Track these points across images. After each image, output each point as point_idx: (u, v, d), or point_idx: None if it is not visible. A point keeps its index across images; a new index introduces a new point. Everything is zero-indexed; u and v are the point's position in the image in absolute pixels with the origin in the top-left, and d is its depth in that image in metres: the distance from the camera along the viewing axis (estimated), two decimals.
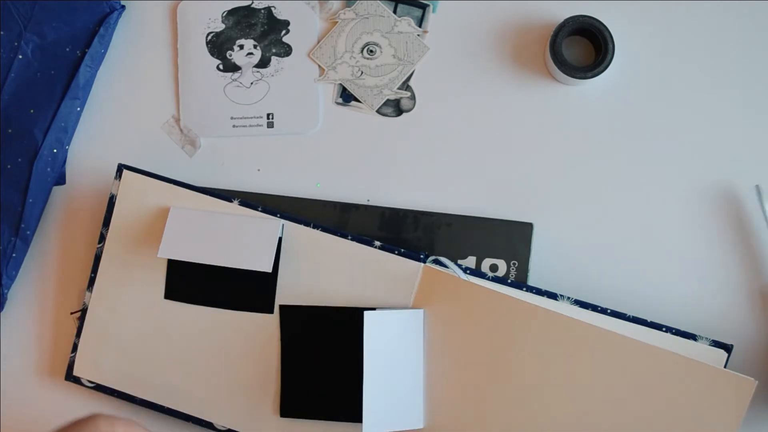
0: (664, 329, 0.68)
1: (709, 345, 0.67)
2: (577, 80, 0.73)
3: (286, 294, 0.71)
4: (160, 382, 0.72)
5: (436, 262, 0.70)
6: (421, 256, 0.70)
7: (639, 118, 0.75)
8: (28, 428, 0.76)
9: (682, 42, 0.75)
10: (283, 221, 0.70)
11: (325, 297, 0.70)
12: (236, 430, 0.71)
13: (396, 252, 0.70)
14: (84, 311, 0.73)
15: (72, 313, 0.76)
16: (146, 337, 0.72)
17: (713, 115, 0.74)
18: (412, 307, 0.69)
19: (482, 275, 0.70)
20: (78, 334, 0.73)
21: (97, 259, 0.73)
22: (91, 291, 0.73)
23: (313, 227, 0.71)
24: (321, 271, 0.70)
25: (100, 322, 0.73)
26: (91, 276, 0.73)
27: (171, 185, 0.72)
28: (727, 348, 0.67)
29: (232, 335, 0.71)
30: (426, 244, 0.73)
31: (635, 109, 0.75)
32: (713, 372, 0.65)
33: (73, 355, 0.73)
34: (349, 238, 0.70)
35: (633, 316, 0.68)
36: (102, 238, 0.73)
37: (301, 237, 0.71)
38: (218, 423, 0.71)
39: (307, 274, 0.71)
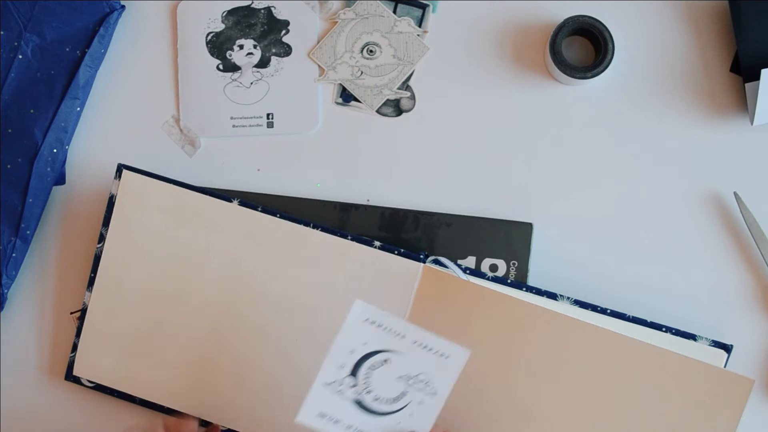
0: (664, 329, 0.68)
1: (709, 345, 0.67)
2: (577, 80, 0.73)
3: (285, 294, 0.71)
4: (160, 381, 0.72)
5: (436, 262, 0.70)
6: (421, 256, 0.70)
7: (639, 119, 0.75)
8: (28, 428, 0.76)
9: (682, 41, 0.75)
10: None
11: (325, 297, 0.70)
12: (237, 430, 0.71)
13: (396, 252, 0.70)
14: (84, 311, 0.73)
15: (72, 313, 0.76)
16: (146, 336, 0.72)
17: (713, 114, 0.74)
18: (412, 306, 0.69)
19: (482, 275, 0.70)
20: (78, 334, 0.73)
21: (97, 259, 0.73)
22: (90, 291, 0.73)
23: (313, 227, 0.71)
24: (321, 271, 0.71)
25: (100, 322, 0.73)
26: (90, 276, 0.73)
27: (170, 185, 0.72)
28: (727, 348, 0.67)
29: (233, 335, 0.71)
30: (426, 244, 0.73)
31: (635, 110, 0.75)
32: (712, 371, 0.65)
33: (72, 354, 0.73)
34: (349, 238, 0.70)
35: (633, 317, 0.68)
36: (102, 238, 0.73)
37: (301, 237, 0.71)
38: (219, 423, 0.71)
39: (307, 274, 0.71)
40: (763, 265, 0.72)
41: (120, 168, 0.73)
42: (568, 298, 0.69)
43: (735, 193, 0.73)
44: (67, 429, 0.76)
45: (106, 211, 0.73)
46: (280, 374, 0.71)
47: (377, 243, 0.70)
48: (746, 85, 0.71)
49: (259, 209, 0.71)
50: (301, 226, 0.71)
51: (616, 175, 0.74)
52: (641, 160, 0.74)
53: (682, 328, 0.69)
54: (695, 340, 0.68)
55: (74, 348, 0.73)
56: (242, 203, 0.72)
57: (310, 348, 0.71)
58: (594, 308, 0.69)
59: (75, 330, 0.74)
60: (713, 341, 0.68)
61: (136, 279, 0.72)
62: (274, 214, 0.71)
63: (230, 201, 0.72)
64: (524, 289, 0.69)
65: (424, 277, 0.69)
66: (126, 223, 0.73)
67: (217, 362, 0.71)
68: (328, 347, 0.61)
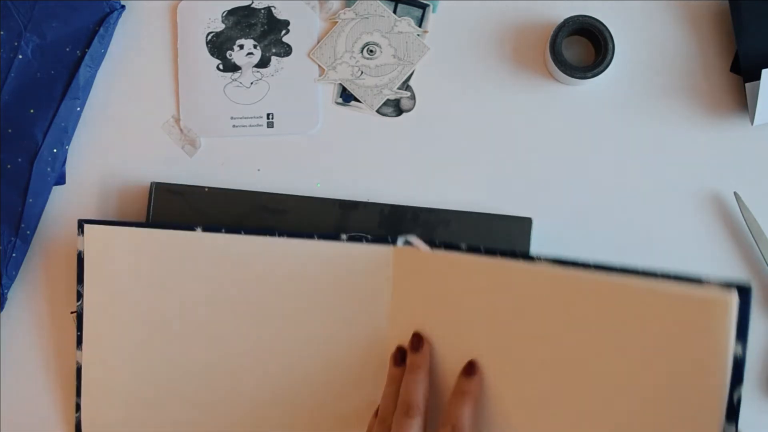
0: (659, 276, 0.57)
1: (719, 286, 0.55)
2: (577, 80, 0.73)
3: (271, 308, 0.71)
4: (168, 423, 0.71)
5: (407, 243, 0.69)
6: (390, 239, 0.68)
7: (639, 119, 0.75)
8: (28, 428, 0.76)
9: (682, 41, 0.75)
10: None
11: (306, 301, 0.70)
12: None
13: (364, 240, 0.69)
14: (79, 370, 0.72)
15: (72, 313, 0.76)
16: (146, 381, 0.71)
17: (713, 114, 0.74)
18: (393, 291, 0.68)
19: (457, 247, 0.66)
20: (78, 393, 0.73)
21: (80, 316, 0.72)
22: (81, 349, 0.72)
23: (279, 235, 0.69)
24: (296, 276, 0.70)
25: (98, 378, 0.72)
26: (78, 335, 0.72)
27: (133, 228, 0.71)
28: (741, 287, 0.53)
29: (231, 358, 0.71)
30: (426, 241, 0.73)
31: (635, 110, 0.75)
32: (685, 297, 0.56)
33: (78, 414, 0.73)
34: (316, 237, 0.69)
35: (621, 266, 0.58)
36: (79, 296, 0.72)
37: (271, 247, 0.70)
38: None
39: (285, 282, 0.70)
40: (763, 264, 0.72)
41: (81, 224, 0.72)
42: (546, 258, 0.62)
43: (735, 193, 0.73)
44: None
45: (78, 269, 0.72)
46: (282, 388, 0.70)
47: (344, 236, 0.69)
48: (746, 85, 0.71)
49: (223, 231, 0.70)
50: (268, 237, 0.70)
51: (616, 175, 0.74)
52: (641, 159, 0.74)
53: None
54: (701, 283, 0.56)
55: (78, 408, 0.73)
56: (206, 228, 0.70)
57: (307, 358, 0.70)
58: (575, 264, 0.61)
59: (75, 329, 0.74)
60: (725, 282, 0.54)
61: (123, 326, 0.72)
62: (238, 232, 0.70)
63: (194, 229, 0.70)
64: (498, 254, 0.64)
65: (396, 259, 0.69)
66: (99, 275, 0.72)
67: (218, 395, 0.71)
68: None
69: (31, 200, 0.75)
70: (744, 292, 0.54)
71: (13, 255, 0.75)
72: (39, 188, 0.75)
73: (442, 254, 0.67)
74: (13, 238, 0.75)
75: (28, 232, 0.75)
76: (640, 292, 0.58)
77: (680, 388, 0.56)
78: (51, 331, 0.76)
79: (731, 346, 0.55)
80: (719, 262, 0.73)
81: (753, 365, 0.72)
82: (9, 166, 0.75)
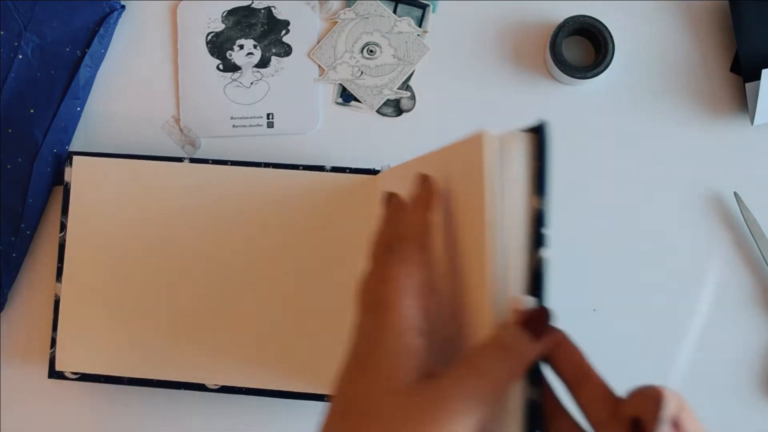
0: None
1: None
2: (577, 80, 0.73)
3: (255, 239, 0.71)
4: (144, 356, 0.71)
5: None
6: (373, 170, 0.71)
7: (639, 119, 0.75)
8: (29, 428, 0.76)
9: (682, 41, 0.75)
10: None
11: (291, 229, 0.71)
12: (228, 385, 0.71)
13: (348, 171, 0.71)
14: (57, 303, 0.73)
15: None
16: (124, 315, 0.71)
17: (713, 114, 0.74)
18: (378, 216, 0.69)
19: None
20: (54, 328, 0.72)
21: (62, 248, 0.73)
22: (60, 281, 0.73)
23: (265, 166, 0.72)
24: (281, 205, 0.71)
25: (75, 311, 0.72)
26: (58, 266, 0.73)
27: (121, 159, 0.73)
28: (536, 128, 0.47)
29: (210, 291, 0.71)
30: None
31: (635, 110, 0.75)
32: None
33: (52, 350, 0.72)
34: (301, 168, 0.71)
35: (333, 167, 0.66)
36: (63, 227, 0.73)
37: (256, 177, 0.71)
38: (210, 383, 0.71)
39: (270, 212, 0.71)
40: (763, 264, 0.72)
41: (70, 155, 0.73)
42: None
43: (735, 193, 0.73)
44: (72, 425, 0.76)
45: (63, 200, 0.73)
46: (264, 321, 0.71)
47: (328, 166, 0.71)
48: (746, 85, 0.71)
49: (210, 161, 0.72)
50: (253, 168, 0.72)
51: (616, 175, 0.74)
52: (641, 159, 0.74)
53: (682, 329, 0.69)
54: None
55: (53, 343, 0.72)
56: (193, 160, 0.72)
57: (287, 287, 0.71)
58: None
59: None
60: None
61: (104, 259, 0.72)
62: (224, 163, 0.72)
63: (181, 161, 0.72)
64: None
65: (379, 189, 0.69)
66: (84, 206, 0.73)
67: (200, 324, 0.71)
68: None
69: (31, 200, 0.75)
70: (538, 132, 0.46)
71: (13, 255, 0.75)
72: (39, 188, 0.75)
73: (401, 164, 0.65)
74: (13, 238, 0.75)
75: (28, 232, 0.75)
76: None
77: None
78: (51, 332, 0.76)
79: (492, 186, 0.47)
80: (719, 262, 0.73)
81: (753, 365, 0.72)
82: (9, 166, 0.75)
